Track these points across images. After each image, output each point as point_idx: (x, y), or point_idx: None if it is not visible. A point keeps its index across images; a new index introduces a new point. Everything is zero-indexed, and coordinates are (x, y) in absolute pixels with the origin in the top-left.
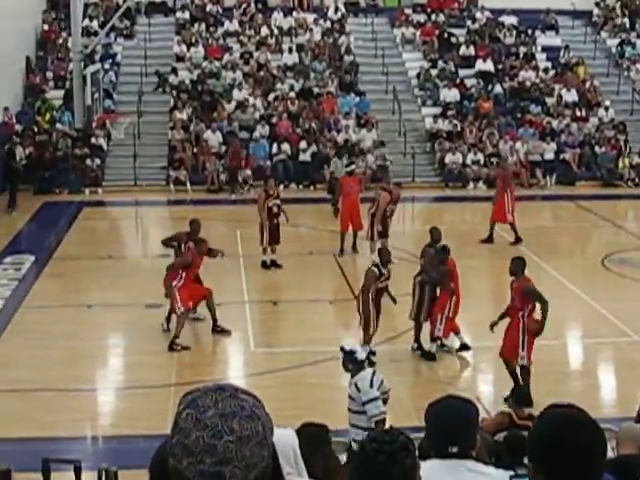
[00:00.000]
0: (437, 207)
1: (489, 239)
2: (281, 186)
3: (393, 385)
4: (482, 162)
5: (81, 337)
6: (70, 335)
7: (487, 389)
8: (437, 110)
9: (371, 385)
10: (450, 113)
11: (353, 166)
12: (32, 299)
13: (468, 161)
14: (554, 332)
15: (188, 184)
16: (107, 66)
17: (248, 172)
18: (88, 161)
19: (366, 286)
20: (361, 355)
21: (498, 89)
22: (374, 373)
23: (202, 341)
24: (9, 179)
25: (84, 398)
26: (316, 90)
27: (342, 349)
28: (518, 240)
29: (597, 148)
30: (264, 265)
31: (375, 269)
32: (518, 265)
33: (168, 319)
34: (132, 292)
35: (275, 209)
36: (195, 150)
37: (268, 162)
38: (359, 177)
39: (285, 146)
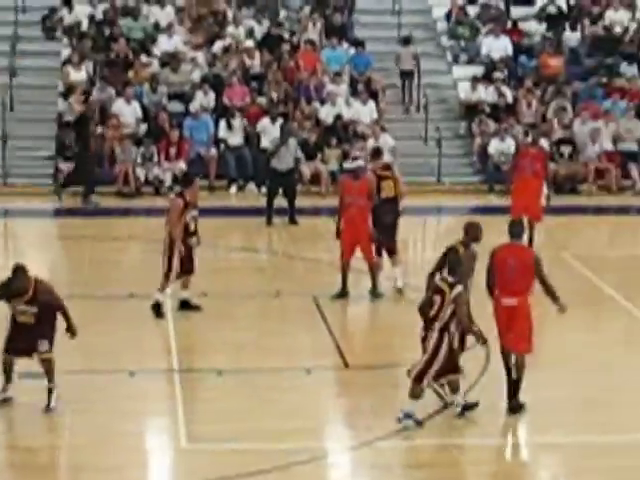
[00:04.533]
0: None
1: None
2: (233, 187)
3: None
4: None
5: None
6: None
7: None
8: (477, 70)
9: None
10: (497, 75)
11: (359, 162)
12: None
13: None
14: None
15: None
16: None
17: (182, 165)
18: None
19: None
20: None
21: (572, 38)
22: None
23: (104, 430)
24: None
25: None
26: (288, 37)
27: None
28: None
29: None
30: (185, 305)
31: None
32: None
33: None
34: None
35: (192, 225)
36: (100, 130)
37: (213, 149)
38: (367, 179)
39: (239, 124)
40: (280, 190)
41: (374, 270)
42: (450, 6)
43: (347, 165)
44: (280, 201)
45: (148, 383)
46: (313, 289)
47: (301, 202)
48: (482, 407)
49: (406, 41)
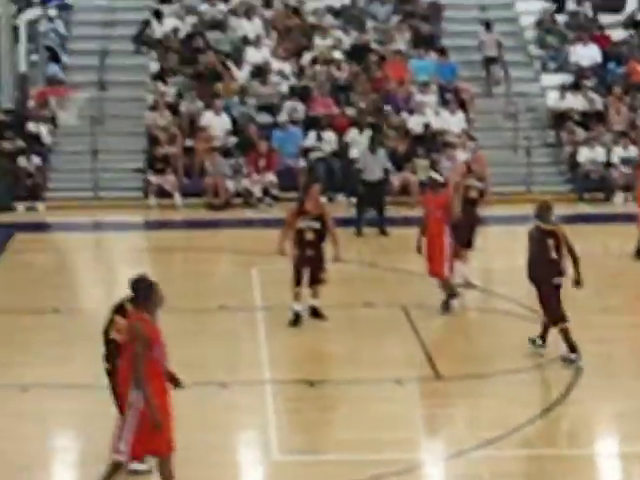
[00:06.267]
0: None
1: None
2: (322, 199)
3: None
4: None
5: (8, 438)
6: None
7: None
8: (566, 78)
9: None
10: (586, 83)
11: (436, 175)
12: None
13: (614, 159)
14: None
15: (178, 196)
16: (53, 12)
17: (271, 177)
18: (22, 160)
19: None
20: None
21: None
22: None
23: (194, 445)
24: None
25: None
26: (376, 47)
27: None
28: None
29: None
30: (294, 320)
31: None
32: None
33: None
34: (88, 366)
35: (309, 235)
36: (189, 143)
37: (301, 161)
38: (444, 195)
39: (328, 136)
40: (370, 201)
41: (444, 284)
42: (539, 15)
43: (432, 174)
44: (370, 212)
45: (240, 395)
46: (403, 300)
47: (391, 213)
48: (577, 416)
49: (488, 26)
